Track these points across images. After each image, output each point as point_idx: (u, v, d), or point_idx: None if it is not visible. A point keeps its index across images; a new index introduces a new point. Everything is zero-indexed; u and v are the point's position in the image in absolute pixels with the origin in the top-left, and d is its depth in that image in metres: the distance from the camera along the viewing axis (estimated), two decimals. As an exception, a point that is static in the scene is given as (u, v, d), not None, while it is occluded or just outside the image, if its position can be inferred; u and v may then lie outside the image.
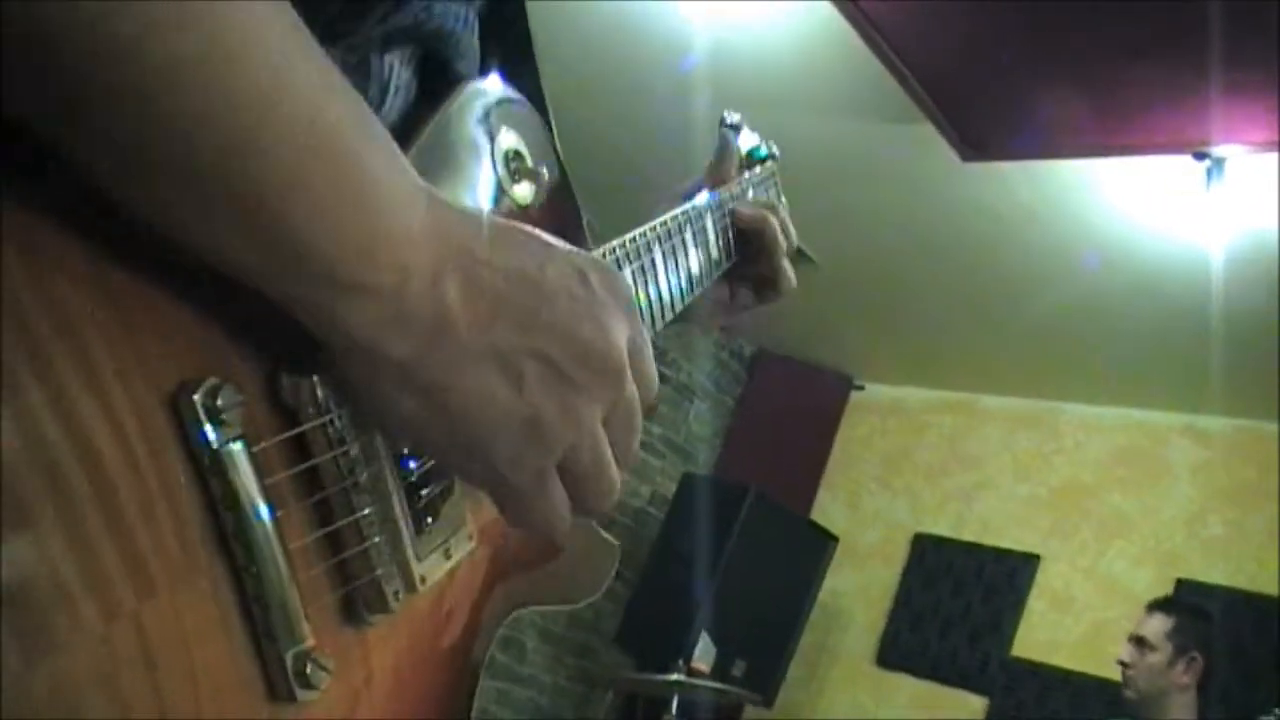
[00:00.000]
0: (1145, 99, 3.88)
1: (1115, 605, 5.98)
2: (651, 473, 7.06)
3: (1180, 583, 5.85)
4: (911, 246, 5.60)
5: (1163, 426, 6.38)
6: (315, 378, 0.61)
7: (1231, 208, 4.16)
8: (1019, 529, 6.66)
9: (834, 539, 6.62)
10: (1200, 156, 3.98)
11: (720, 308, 1.28)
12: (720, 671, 5.81)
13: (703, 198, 1.16)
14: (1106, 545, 6.33)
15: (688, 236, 1.08)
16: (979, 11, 3.73)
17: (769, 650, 6.22)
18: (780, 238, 1.26)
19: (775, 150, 1.46)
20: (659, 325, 1.02)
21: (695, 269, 1.10)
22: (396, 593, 0.68)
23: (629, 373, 0.66)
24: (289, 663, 0.59)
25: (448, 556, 0.74)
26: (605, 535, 0.93)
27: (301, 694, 0.60)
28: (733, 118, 1.41)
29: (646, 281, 0.98)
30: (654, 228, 1.01)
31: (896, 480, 7.30)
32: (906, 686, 6.63)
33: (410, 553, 0.69)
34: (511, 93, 0.83)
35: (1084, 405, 6.69)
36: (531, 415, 0.62)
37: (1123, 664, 4.01)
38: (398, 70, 0.77)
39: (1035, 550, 6.52)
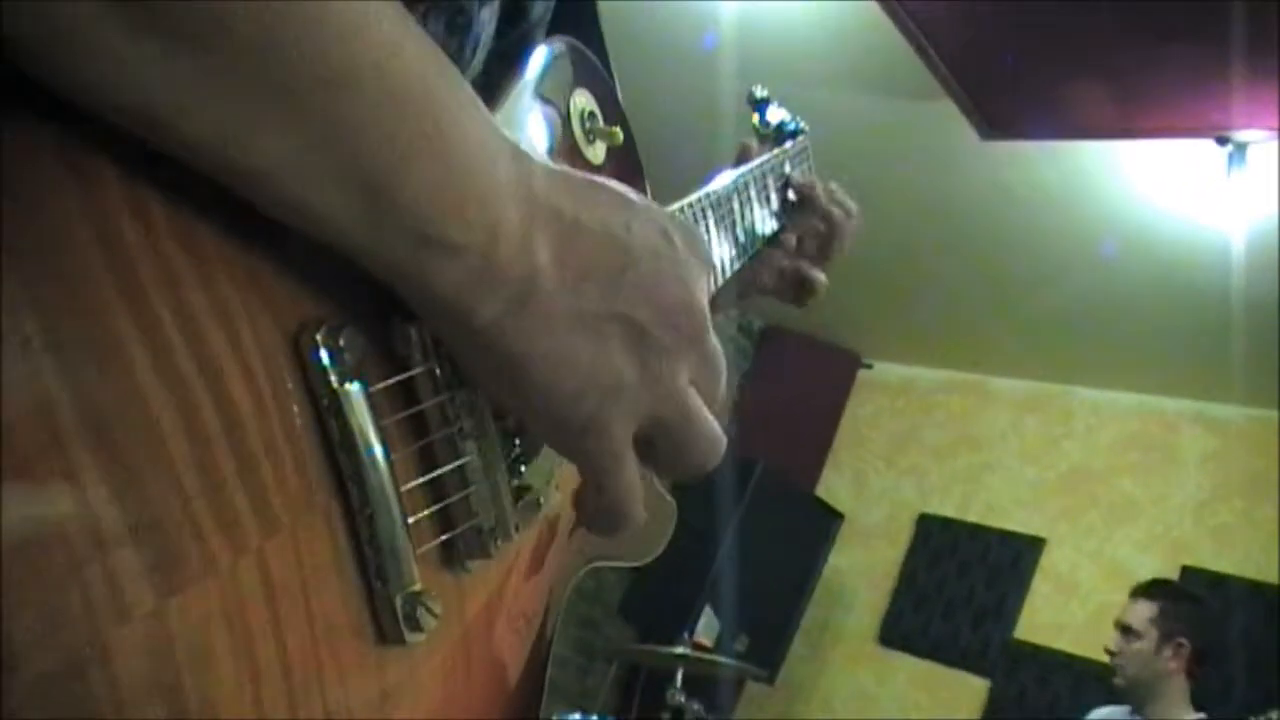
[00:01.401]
0: (1168, 83, 3.85)
1: (1120, 591, 5.88)
2: (658, 446, 7.05)
3: (1186, 570, 5.85)
4: (927, 224, 5.58)
5: (1174, 413, 6.37)
6: (423, 325, 0.61)
7: (1252, 194, 4.14)
8: (1025, 511, 6.66)
9: (839, 516, 6.62)
10: (1222, 141, 3.96)
11: (741, 288, 1.27)
12: (724, 646, 5.82)
13: (746, 167, 1.16)
14: (1113, 530, 6.32)
15: (753, 194, 1.10)
16: (1004, -11, 3.71)
17: (772, 626, 6.24)
18: (835, 219, 1.26)
19: (804, 125, 1.44)
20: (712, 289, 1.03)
21: (742, 237, 1.12)
22: (495, 539, 0.68)
23: (711, 330, 0.66)
24: (399, 605, 0.60)
25: (538, 506, 0.74)
26: (665, 494, 0.94)
27: (410, 636, 0.60)
28: (761, 92, 1.41)
29: (710, 242, 0.99)
30: (711, 193, 1.02)
31: (903, 460, 7.30)
32: (908, 666, 6.64)
33: (507, 500, 0.70)
34: (584, 51, 0.83)
35: (1095, 390, 6.68)
36: (615, 381, 0.61)
37: (1110, 652, 4.00)
38: (490, 25, 0.77)
39: (1041, 533, 6.52)
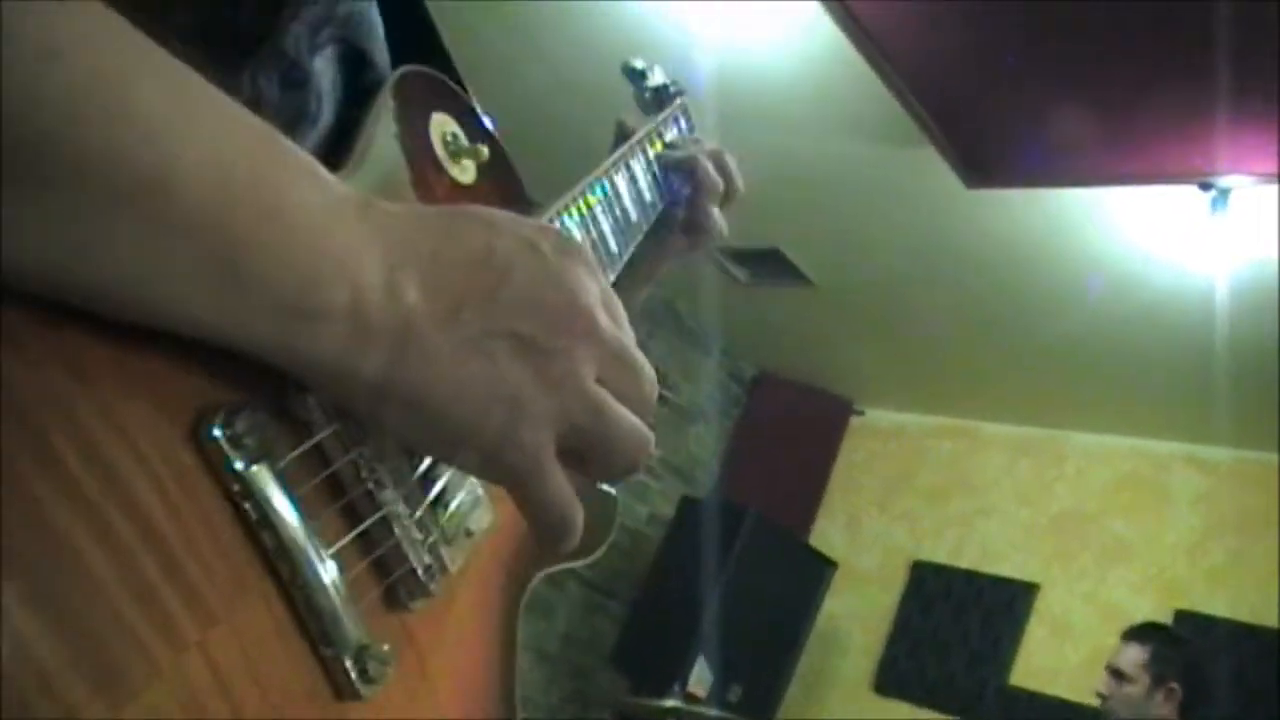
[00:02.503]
0: (1151, 128, 3.88)
1: (1115, 634, 5.88)
2: (650, 494, 7.04)
3: (1179, 614, 5.83)
4: (914, 271, 5.60)
5: (1165, 455, 6.37)
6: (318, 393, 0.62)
7: (1236, 238, 4.16)
8: (1019, 555, 6.64)
9: (833, 564, 6.60)
10: (1205, 187, 3.98)
11: (655, 255, 1.26)
12: (717, 696, 5.78)
13: (621, 149, 1.17)
14: (1107, 573, 6.31)
15: (621, 185, 1.10)
16: (986, 37, 3.73)
17: (766, 675, 6.20)
18: (707, 177, 1.25)
19: (680, 86, 1.42)
20: (612, 278, 1.02)
21: (635, 217, 1.12)
22: (432, 576, 0.69)
23: (603, 323, 0.65)
24: (349, 663, 0.61)
25: (470, 534, 0.75)
26: (604, 487, 0.92)
27: (366, 690, 0.62)
28: (637, 63, 1.40)
29: (591, 236, 0.99)
30: (589, 185, 1.02)
31: (896, 505, 7.29)
32: (903, 713, 6.60)
33: (438, 536, 0.71)
34: (435, 75, 0.83)
35: (1086, 433, 6.68)
36: (512, 394, 0.61)
37: (1101, 696, 3.99)
38: (329, 74, 0.76)
39: (1035, 577, 6.50)
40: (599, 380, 0.65)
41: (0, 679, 0.44)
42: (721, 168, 1.27)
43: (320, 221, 0.56)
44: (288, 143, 0.57)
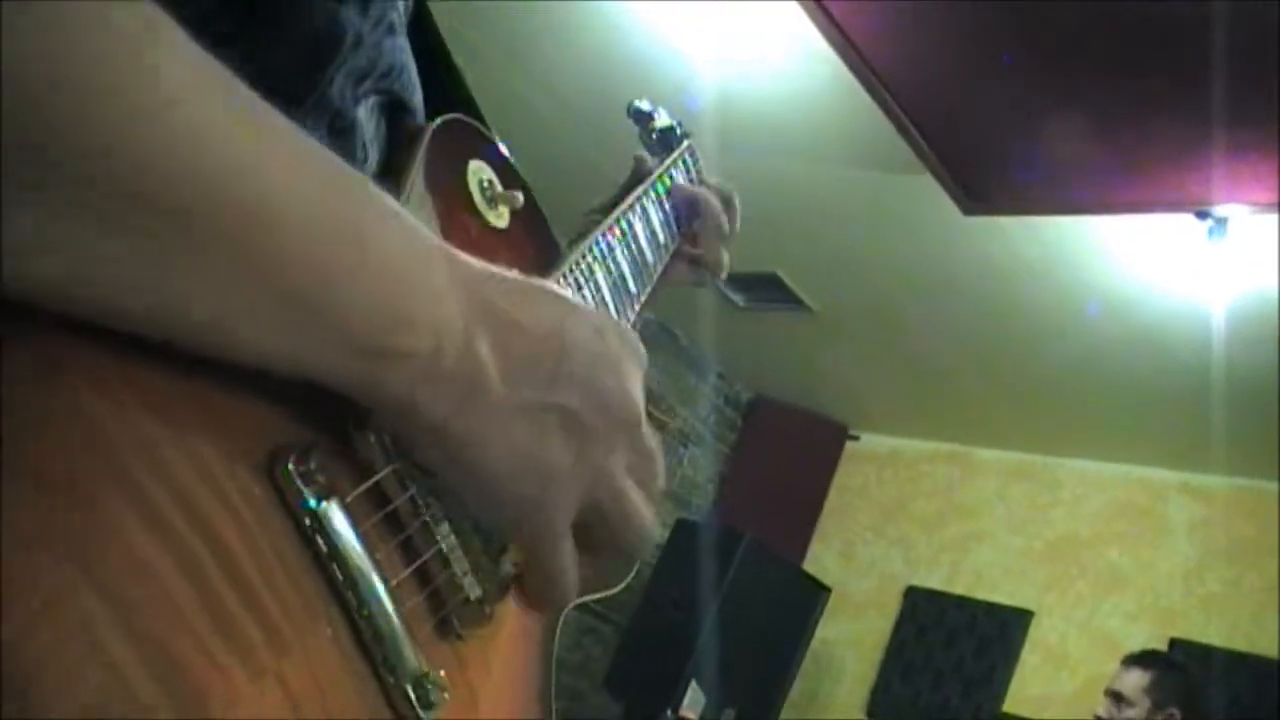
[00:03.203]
0: (1148, 157, 3.88)
1: (1109, 661, 5.87)
2: (645, 517, 7.03)
3: (1174, 643, 5.82)
4: (911, 297, 5.61)
5: (1161, 483, 6.37)
6: (381, 429, 0.65)
7: (1233, 267, 4.16)
8: (1013, 582, 6.63)
9: (827, 589, 6.59)
10: (1202, 215, 3.99)
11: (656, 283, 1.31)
12: (709, 721, 5.76)
13: (637, 190, 1.22)
14: (1101, 600, 6.30)
15: (638, 226, 1.16)
16: (983, 65, 3.74)
17: (759, 700, 6.18)
18: (716, 218, 1.32)
19: (687, 129, 1.46)
20: (632, 318, 1.08)
21: (651, 259, 1.17)
22: (483, 606, 0.72)
23: (643, 421, 0.71)
24: (410, 689, 0.63)
25: (515, 565, 0.78)
26: None
27: (425, 715, 0.64)
28: (644, 105, 1.44)
29: (612, 277, 1.04)
30: (611, 228, 1.08)
31: (891, 530, 7.28)
32: (897, 740, 6.59)
33: (488, 568, 0.74)
34: (470, 123, 0.87)
35: (1082, 460, 6.68)
36: (552, 468, 0.65)
37: (1099, 719, 3.97)
38: (371, 122, 0.79)
39: (1030, 604, 6.49)
40: (626, 469, 0.70)
41: (102, 707, 0.46)
42: (729, 206, 1.33)
43: (411, 266, 0.59)
44: (377, 188, 0.60)
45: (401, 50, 0.82)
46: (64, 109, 0.45)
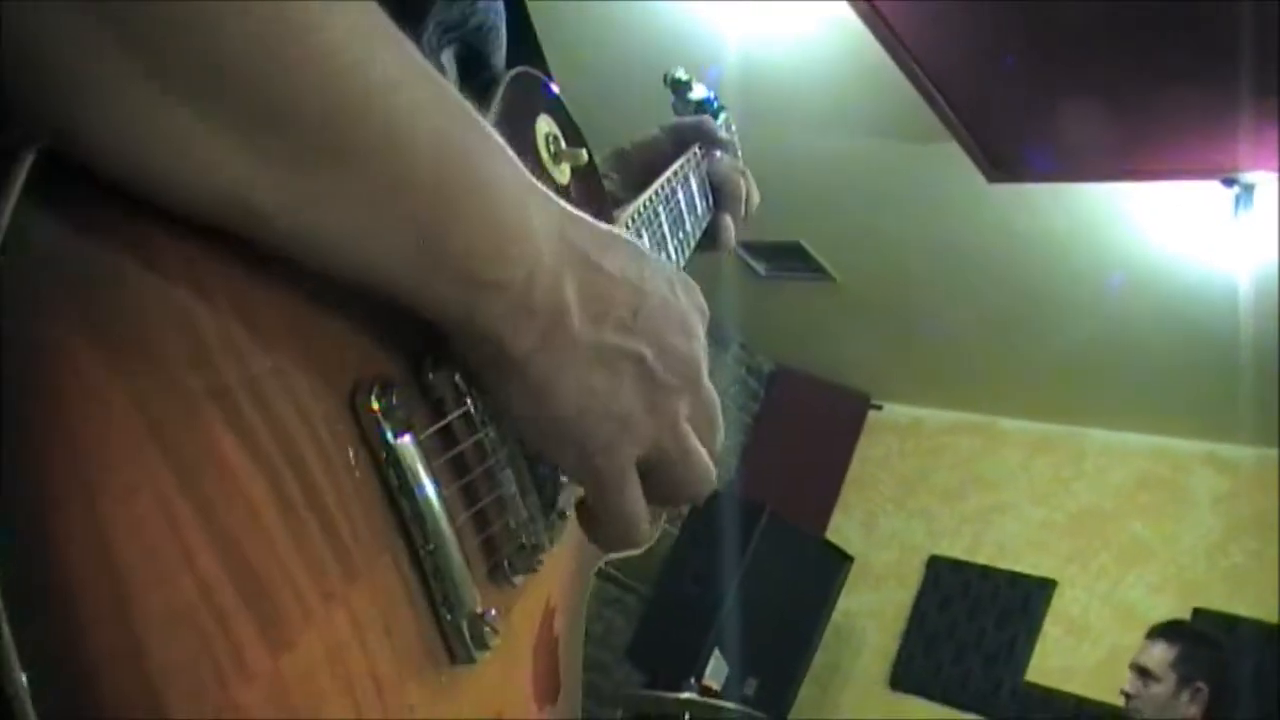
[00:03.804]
0: (1174, 124, 3.86)
1: (1132, 633, 5.87)
2: (667, 488, 7.03)
3: (1197, 612, 5.80)
4: (934, 266, 5.59)
5: (1185, 454, 6.34)
6: (454, 370, 0.67)
7: (1259, 235, 4.13)
8: (1036, 553, 6.62)
9: (849, 559, 6.59)
10: (1229, 183, 3.96)
11: None
12: (732, 690, 5.78)
13: (683, 158, 1.24)
14: (1125, 572, 6.29)
15: (681, 197, 1.18)
16: (1009, 33, 3.72)
17: (781, 670, 6.19)
18: (744, 201, 1.35)
19: (723, 101, 1.48)
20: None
21: (689, 226, 1.20)
22: (536, 554, 0.74)
23: (706, 375, 0.73)
24: (465, 627, 0.65)
25: (564, 516, 0.80)
26: None
27: (479, 655, 0.66)
28: (681, 74, 1.46)
29: (658, 245, 1.07)
30: (657, 192, 1.10)
31: (913, 501, 7.27)
32: (918, 710, 6.59)
33: (543, 517, 0.76)
34: (541, 79, 0.89)
35: (1106, 431, 6.66)
36: (625, 411, 0.68)
37: (1126, 695, 3.91)
38: (449, 68, 0.82)
39: (1052, 575, 6.48)
40: (689, 419, 0.72)
41: (188, 615, 0.47)
42: (751, 187, 1.37)
43: (514, 202, 0.62)
44: (486, 123, 0.62)
45: (495, 13, 0.86)
46: (232, 25, 0.48)
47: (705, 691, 5.37)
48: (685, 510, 6.54)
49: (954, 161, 4.45)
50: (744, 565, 6.01)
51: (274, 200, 0.52)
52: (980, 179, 4.51)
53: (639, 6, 4.24)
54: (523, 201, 0.62)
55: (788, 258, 6.08)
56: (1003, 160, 4.39)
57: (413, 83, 0.56)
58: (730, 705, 5.29)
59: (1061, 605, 6.40)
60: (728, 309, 6.99)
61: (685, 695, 4.86)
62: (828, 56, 4.18)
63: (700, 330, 0.74)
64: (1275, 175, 3.85)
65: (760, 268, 6.35)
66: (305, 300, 0.58)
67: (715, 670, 5.76)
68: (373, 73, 0.53)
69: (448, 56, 0.82)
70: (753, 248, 6.13)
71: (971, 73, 3.98)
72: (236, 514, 0.51)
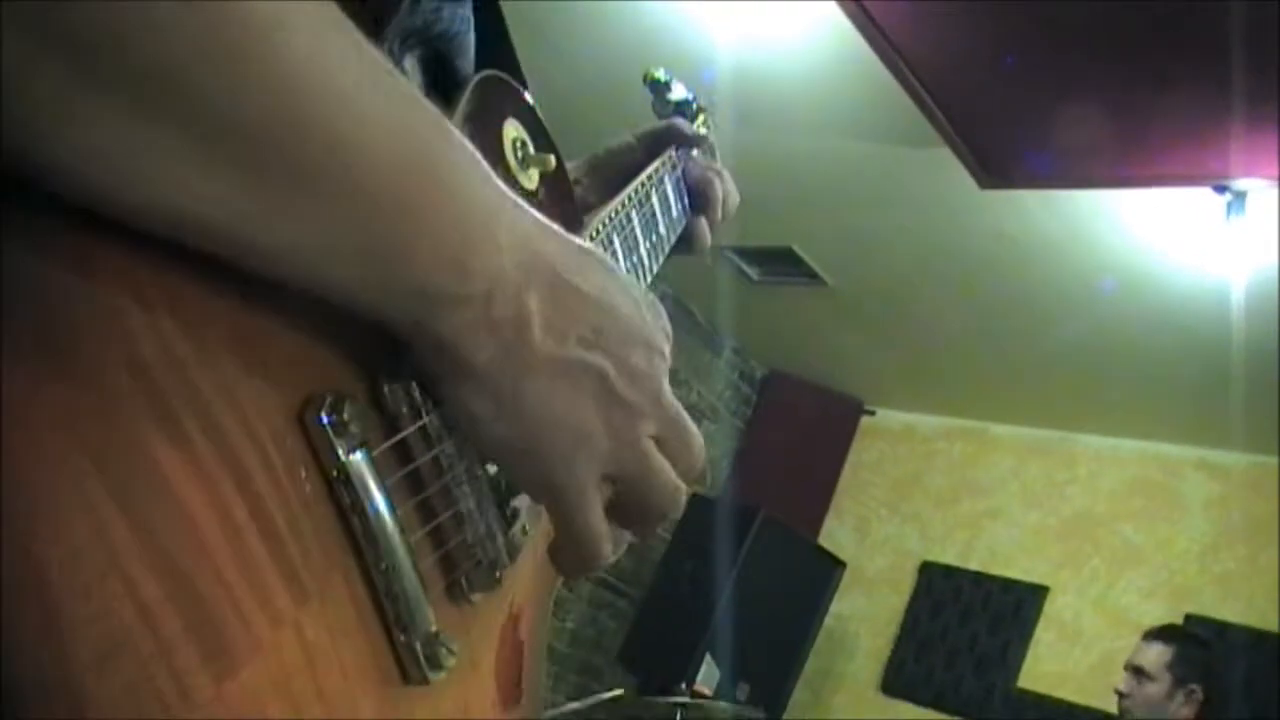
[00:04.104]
0: (1166, 131, 3.86)
1: (1124, 638, 5.89)
2: (660, 492, 7.03)
3: (1189, 617, 5.81)
4: (926, 271, 5.59)
5: (1177, 459, 6.35)
6: (409, 383, 0.65)
7: (1251, 241, 4.13)
8: (1028, 558, 6.62)
9: (841, 564, 6.59)
10: (1220, 189, 3.96)
11: None
12: (724, 695, 5.78)
13: (657, 162, 1.23)
14: (1117, 577, 6.29)
15: (655, 201, 1.16)
16: (1002, 39, 3.72)
17: (773, 674, 6.19)
18: (720, 204, 1.33)
19: (702, 102, 1.46)
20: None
21: (663, 230, 1.18)
22: (495, 571, 0.73)
23: (668, 391, 0.71)
24: (420, 648, 0.64)
25: (525, 532, 0.79)
26: None
27: (433, 676, 0.65)
28: (661, 74, 1.44)
29: (630, 250, 1.05)
30: (630, 196, 1.09)
31: (905, 506, 7.27)
32: (910, 715, 6.59)
33: (500, 534, 0.75)
34: (510, 82, 0.87)
35: (1098, 436, 6.66)
36: (583, 427, 0.66)
37: (1120, 694, 3.92)
38: (412, 74, 0.81)
39: (1044, 580, 6.48)
40: (654, 438, 0.70)
41: (128, 646, 0.46)
42: (727, 190, 1.35)
43: (480, 215, 0.60)
44: (457, 132, 0.61)
45: (463, 20, 0.85)
46: (165, 21, 0.46)
47: (697, 696, 5.36)
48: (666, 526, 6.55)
49: (946, 166, 4.45)
50: (736, 570, 6.01)
51: (221, 213, 0.50)
52: (972, 184, 4.51)
53: (630, 10, 4.24)
54: (490, 213, 0.61)
55: (780, 262, 6.07)
56: (995, 166, 4.39)
57: (373, 91, 0.55)
58: (724, 705, 5.29)
59: (1054, 610, 6.40)
60: (720, 314, 7.00)
61: (677, 699, 4.85)
62: (820, 61, 4.17)
63: (665, 351, 0.72)
64: (1267, 182, 3.85)
65: (753, 272, 6.35)
66: (253, 310, 0.56)
67: (707, 675, 5.76)
68: (330, 81, 0.52)
69: (410, 62, 0.81)
70: (745, 252, 6.13)
71: (964, 78, 3.98)
72: (179, 537, 0.49)
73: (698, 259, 1.36)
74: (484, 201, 0.61)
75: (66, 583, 0.44)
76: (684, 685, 5.11)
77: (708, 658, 5.80)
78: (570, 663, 6.71)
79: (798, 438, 7.50)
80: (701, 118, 1.43)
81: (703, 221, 1.32)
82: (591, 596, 6.80)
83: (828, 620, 6.54)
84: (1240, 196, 3.95)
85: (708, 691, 5.68)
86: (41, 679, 0.43)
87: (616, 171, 1.24)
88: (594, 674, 6.77)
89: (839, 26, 3.86)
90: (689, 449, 0.73)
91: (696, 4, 4.09)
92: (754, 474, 7.39)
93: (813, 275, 6.05)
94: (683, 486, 0.73)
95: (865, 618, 6.99)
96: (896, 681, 6.72)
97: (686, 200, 1.28)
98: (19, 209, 0.46)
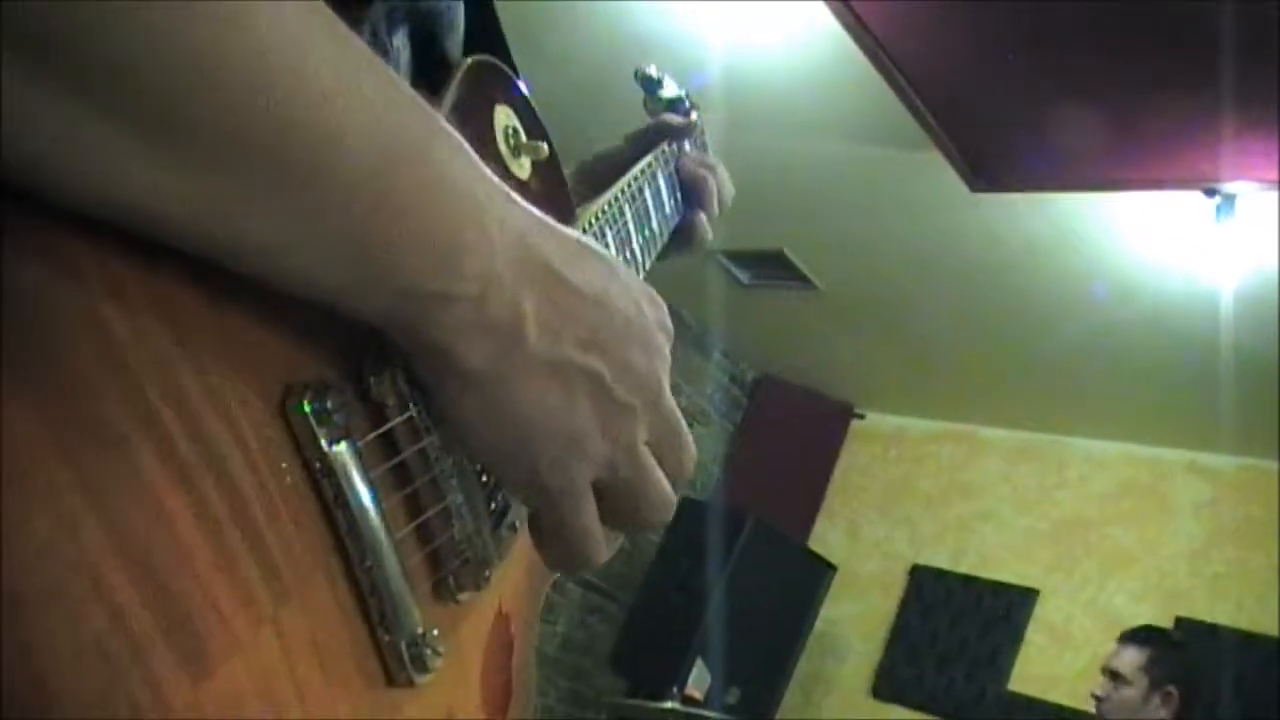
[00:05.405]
0: (1156, 134, 3.87)
1: (1115, 641, 5.93)
2: (650, 496, 7.03)
3: (1180, 620, 5.81)
4: (917, 275, 5.59)
5: (1167, 462, 6.36)
6: (396, 373, 0.63)
7: (1241, 245, 4.14)
8: (1018, 561, 6.63)
9: (832, 568, 6.59)
10: (1210, 193, 3.97)
11: None
12: (715, 699, 5.77)
13: (649, 156, 1.21)
14: (1107, 580, 6.30)
15: (648, 194, 1.15)
16: (992, 42, 3.72)
17: (764, 678, 6.19)
18: (715, 197, 1.31)
19: (694, 100, 1.43)
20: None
21: (656, 225, 1.17)
22: (483, 570, 0.71)
23: (667, 395, 0.70)
24: (404, 650, 0.62)
25: (515, 529, 0.77)
26: None
27: (418, 678, 0.63)
28: (653, 71, 1.41)
29: (623, 245, 1.03)
30: (623, 189, 1.07)
31: (896, 510, 7.28)
32: (901, 718, 6.59)
33: (489, 531, 0.72)
34: (501, 67, 0.84)
35: (1088, 439, 6.67)
36: (576, 429, 0.64)
37: (1096, 698, 3.93)
38: (401, 51, 0.78)
39: (1035, 583, 6.49)
40: (648, 443, 0.68)
41: (99, 650, 0.44)
42: (721, 183, 1.33)
43: (469, 211, 0.58)
44: (448, 125, 0.59)
45: (449, 4, 0.83)
46: (144, 18, 0.44)
47: (688, 700, 5.36)
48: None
49: (937, 170, 4.46)
50: (727, 573, 6.01)
51: (182, 211, 0.48)
52: (963, 187, 4.52)
53: (621, 13, 4.24)
54: (481, 209, 0.58)
55: (770, 266, 6.08)
56: (985, 169, 4.39)
57: (353, 82, 0.52)
58: (713, 715, 5.28)
59: (1044, 614, 6.40)
60: (711, 317, 7.00)
61: (668, 704, 4.85)
62: (811, 63, 4.18)
63: (664, 349, 0.70)
64: (1257, 185, 3.86)
65: (743, 276, 6.35)
66: (233, 298, 0.54)
67: (698, 678, 5.75)
68: (303, 70, 0.49)
69: (401, 38, 0.78)
70: (735, 256, 6.13)
71: (953, 81, 3.98)
72: (153, 534, 0.47)
73: (694, 258, 1.35)
74: (475, 198, 0.58)
75: (34, 581, 0.43)
76: (675, 689, 5.11)
77: (698, 661, 5.79)
78: (560, 667, 6.70)
79: (788, 441, 7.50)
80: (694, 116, 1.41)
81: (700, 216, 1.30)
82: (582, 600, 6.79)
83: (818, 623, 6.54)
84: (1230, 200, 3.95)
85: (699, 695, 5.67)
86: (10, 681, 0.42)
87: (607, 175, 1.20)
88: (584, 678, 6.77)
89: (831, 30, 3.86)
90: (681, 453, 0.71)
91: (687, 8, 4.09)
92: (744, 477, 7.39)
93: (803, 279, 6.06)
94: (671, 492, 0.71)
95: (856, 621, 6.99)
96: (887, 685, 6.72)
97: (680, 195, 1.27)
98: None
